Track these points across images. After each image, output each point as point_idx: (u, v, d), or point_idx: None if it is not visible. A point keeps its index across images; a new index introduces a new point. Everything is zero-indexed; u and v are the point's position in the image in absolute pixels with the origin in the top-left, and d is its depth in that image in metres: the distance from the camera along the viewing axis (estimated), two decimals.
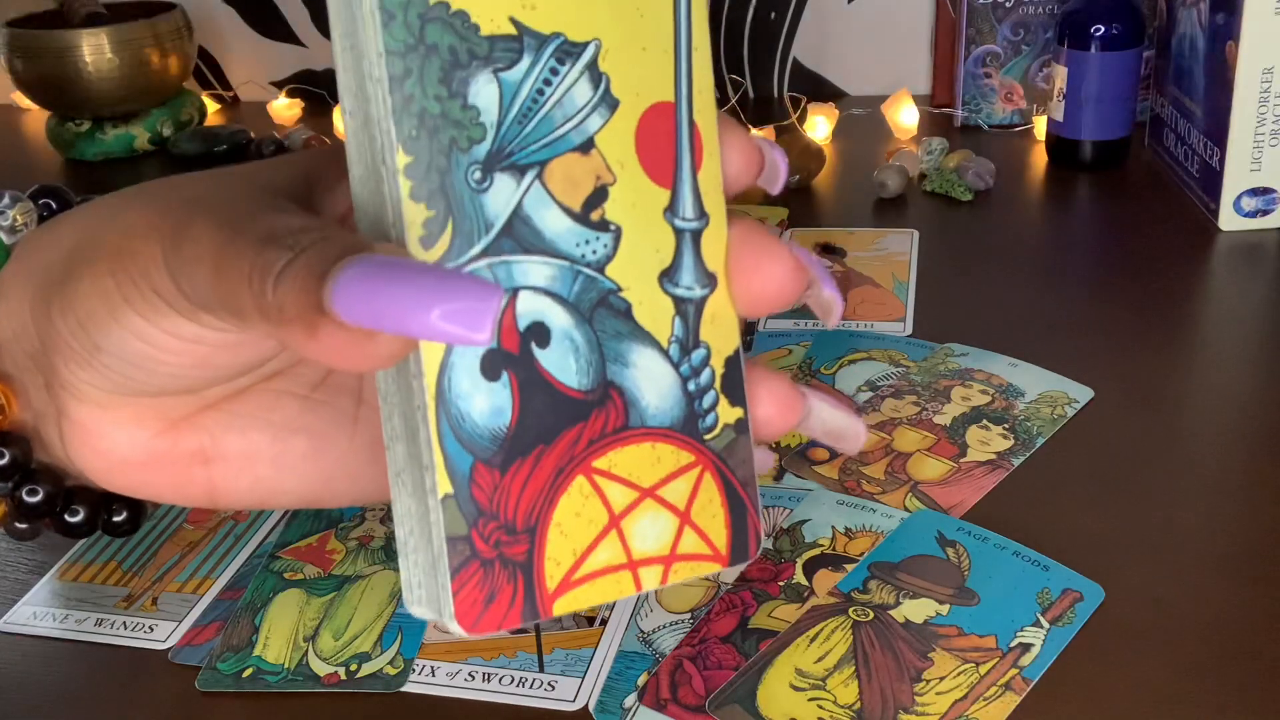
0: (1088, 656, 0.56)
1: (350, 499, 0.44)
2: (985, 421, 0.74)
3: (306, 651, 0.59)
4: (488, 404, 0.34)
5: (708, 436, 0.38)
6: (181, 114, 1.42)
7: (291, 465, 0.42)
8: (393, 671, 0.57)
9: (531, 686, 0.56)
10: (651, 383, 0.37)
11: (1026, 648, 0.56)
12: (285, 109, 1.48)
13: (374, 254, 0.30)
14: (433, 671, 0.57)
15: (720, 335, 0.38)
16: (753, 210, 1.09)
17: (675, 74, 0.36)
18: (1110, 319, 0.86)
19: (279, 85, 1.56)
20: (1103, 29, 1.09)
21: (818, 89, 1.44)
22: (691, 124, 0.37)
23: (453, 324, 0.29)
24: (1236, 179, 0.98)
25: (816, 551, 0.63)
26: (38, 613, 0.63)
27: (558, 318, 0.35)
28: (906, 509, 0.66)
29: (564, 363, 0.35)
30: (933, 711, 0.53)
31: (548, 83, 0.34)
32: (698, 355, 0.37)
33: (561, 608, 0.35)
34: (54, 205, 0.46)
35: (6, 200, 0.44)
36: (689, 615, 0.59)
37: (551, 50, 0.34)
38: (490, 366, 0.34)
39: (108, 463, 0.40)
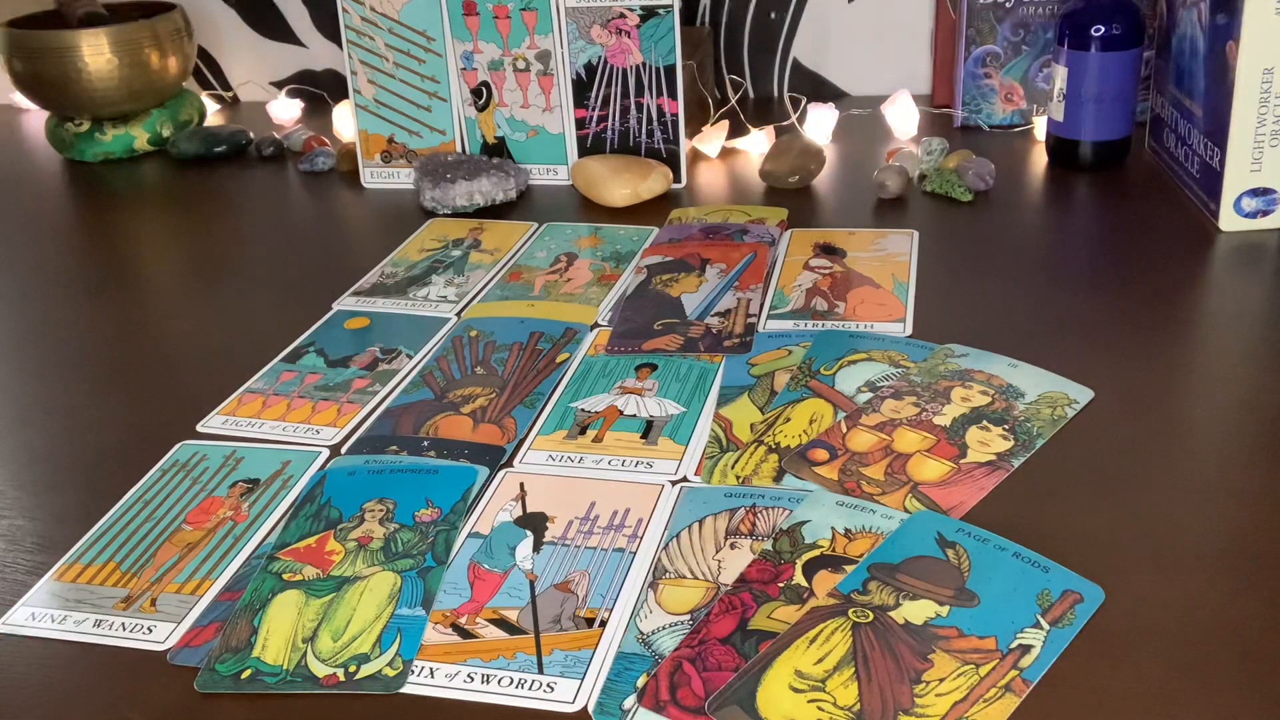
0: (1088, 657, 0.56)
1: None
2: (985, 422, 0.74)
3: (305, 653, 0.59)
4: None
5: None
6: (181, 114, 1.42)
7: None
8: (391, 673, 0.57)
9: (530, 688, 0.56)
10: None
11: (1026, 649, 0.56)
12: (285, 109, 1.48)
13: None
14: (431, 673, 0.57)
15: None
16: (753, 210, 1.09)
17: None
18: (1110, 319, 0.86)
19: (279, 85, 1.56)
20: (1103, 29, 1.09)
21: (818, 89, 1.44)
22: None
23: None
24: (1236, 179, 0.98)
25: (816, 553, 0.63)
26: (36, 614, 0.63)
27: None
28: (906, 510, 0.66)
29: None
30: (932, 713, 0.53)
31: None
32: None
33: None
34: None
35: None
36: (688, 617, 0.59)
37: None
38: None
39: None
